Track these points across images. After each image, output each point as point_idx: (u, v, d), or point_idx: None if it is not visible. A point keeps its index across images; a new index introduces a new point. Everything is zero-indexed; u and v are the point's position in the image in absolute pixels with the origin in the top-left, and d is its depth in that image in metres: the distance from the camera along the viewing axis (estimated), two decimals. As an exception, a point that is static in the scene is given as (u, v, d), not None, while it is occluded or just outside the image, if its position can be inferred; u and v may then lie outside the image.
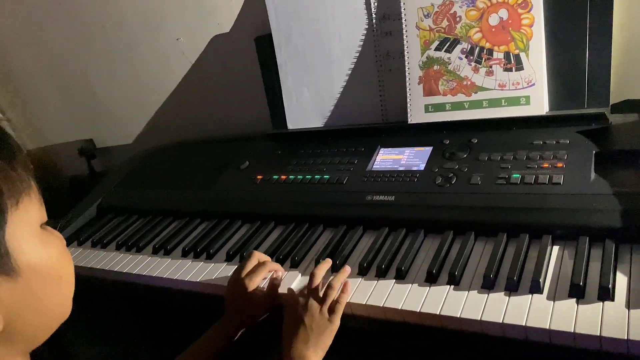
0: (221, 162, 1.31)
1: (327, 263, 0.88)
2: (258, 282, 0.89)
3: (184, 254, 1.08)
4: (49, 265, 0.53)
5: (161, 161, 1.53)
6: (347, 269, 0.86)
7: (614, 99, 1.01)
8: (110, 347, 1.12)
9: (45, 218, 0.55)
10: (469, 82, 1.06)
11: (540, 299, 0.72)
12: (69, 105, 1.85)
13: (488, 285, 0.76)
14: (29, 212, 0.51)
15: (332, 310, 0.80)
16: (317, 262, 0.92)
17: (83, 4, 1.58)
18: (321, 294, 0.82)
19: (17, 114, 1.98)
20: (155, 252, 1.12)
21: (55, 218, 1.40)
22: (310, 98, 1.28)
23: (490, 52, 1.03)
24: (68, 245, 1.27)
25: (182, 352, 0.87)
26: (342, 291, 0.83)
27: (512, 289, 0.74)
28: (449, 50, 1.07)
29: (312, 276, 0.84)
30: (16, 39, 1.77)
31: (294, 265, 0.95)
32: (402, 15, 1.10)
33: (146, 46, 1.56)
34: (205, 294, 0.99)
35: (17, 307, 0.50)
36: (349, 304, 0.82)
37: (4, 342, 0.50)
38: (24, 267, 0.49)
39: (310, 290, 0.83)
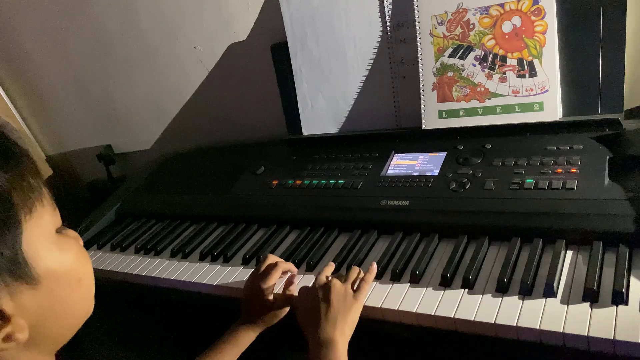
0: (237, 167, 1.33)
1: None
2: (272, 283, 0.90)
3: (202, 258, 1.10)
4: (67, 269, 0.54)
5: (178, 166, 1.56)
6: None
7: (628, 104, 1.01)
8: (128, 348, 1.14)
9: (59, 222, 0.55)
10: (482, 89, 1.07)
11: (554, 302, 0.73)
12: (88, 112, 1.89)
13: (502, 289, 0.77)
14: (42, 219, 0.51)
15: (356, 289, 0.82)
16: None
17: (103, 14, 1.61)
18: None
19: (38, 121, 2.02)
20: (173, 255, 1.15)
21: (75, 222, 1.43)
22: (325, 104, 1.29)
23: (503, 58, 1.04)
24: (88, 249, 1.30)
25: (199, 354, 0.89)
26: (368, 271, 0.85)
27: (525, 292, 0.75)
28: (462, 57, 1.08)
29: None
30: (37, 48, 1.81)
31: (310, 269, 0.96)
32: (416, 23, 1.11)
33: (164, 54, 1.60)
34: (222, 297, 1.01)
35: (41, 313, 0.50)
36: (363, 308, 0.83)
37: (31, 346, 0.51)
38: (43, 274, 0.50)
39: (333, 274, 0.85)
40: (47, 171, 2.00)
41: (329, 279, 0.84)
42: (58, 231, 0.55)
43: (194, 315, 1.10)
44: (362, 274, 0.85)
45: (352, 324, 0.79)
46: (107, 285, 1.17)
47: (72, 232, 0.58)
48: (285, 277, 0.94)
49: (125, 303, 1.21)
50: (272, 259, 0.95)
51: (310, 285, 0.87)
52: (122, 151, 1.89)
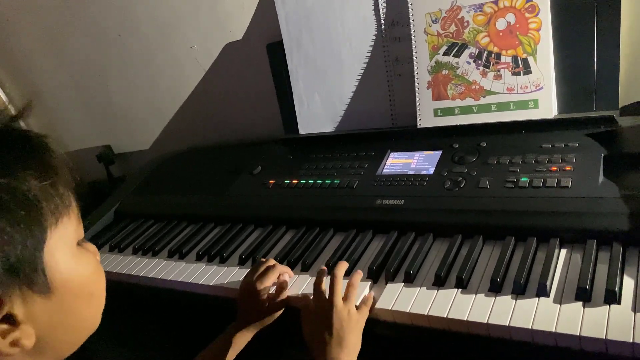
0: (234, 167, 1.33)
1: (344, 265, 0.88)
2: (268, 284, 0.90)
3: (198, 258, 1.10)
4: (81, 283, 0.54)
5: (176, 166, 1.56)
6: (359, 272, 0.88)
7: (623, 101, 1.01)
8: (126, 348, 1.15)
9: (82, 235, 0.56)
10: (477, 87, 1.07)
11: (546, 302, 0.72)
12: (87, 113, 1.90)
13: (495, 289, 0.77)
14: (67, 230, 0.52)
15: (358, 309, 0.81)
16: (328, 266, 0.93)
17: (100, 15, 1.61)
18: (343, 292, 0.83)
19: (37, 121, 2.03)
20: (170, 256, 1.15)
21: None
22: (321, 103, 1.29)
23: (498, 56, 1.04)
24: (87, 249, 1.31)
25: (196, 354, 0.89)
26: (365, 300, 0.83)
27: (519, 292, 0.75)
28: (457, 55, 1.08)
29: (333, 277, 0.84)
30: (36, 49, 1.82)
31: (305, 269, 0.97)
32: (411, 21, 1.11)
33: (161, 54, 1.60)
34: (218, 297, 1.01)
35: (49, 322, 0.51)
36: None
37: (35, 355, 0.52)
38: (58, 285, 0.50)
39: (332, 292, 0.83)
40: (47, 172, 2.01)
41: (330, 298, 0.82)
42: (79, 244, 0.55)
43: (191, 315, 1.10)
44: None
45: (357, 345, 0.79)
46: (105, 286, 1.18)
47: (91, 247, 0.59)
48: (280, 279, 0.94)
49: (124, 303, 1.21)
50: (270, 261, 0.95)
51: (311, 297, 0.86)
52: (121, 151, 1.89)
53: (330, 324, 0.79)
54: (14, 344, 0.48)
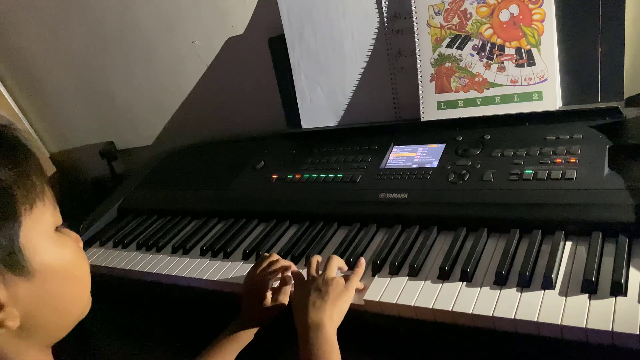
0: (237, 162, 1.33)
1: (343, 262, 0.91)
2: (272, 280, 0.90)
3: (202, 253, 1.10)
4: (62, 265, 0.56)
5: (179, 162, 1.56)
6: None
7: (628, 92, 1.00)
8: (130, 343, 1.15)
9: (59, 221, 0.57)
10: (480, 79, 1.06)
11: (552, 294, 0.72)
12: (90, 109, 1.89)
13: (500, 282, 0.77)
14: (43, 216, 0.54)
15: (346, 279, 0.84)
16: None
17: (101, 11, 1.61)
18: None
19: (40, 119, 2.03)
20: (174, 251, 1.15)
21: (78, 219, 1.44)
22: (324, 97, 1.29)
23: (501, 48, 1.03)
24: (90, 245, 1.31)
25: (200, 349, 0.89)
26: (357, 266, 0.87)
27: (524, 284, 0.75)
28: (460, 47, 1.07)
29: (328, 259, 0.89)
30: (38, 46, 1.82)
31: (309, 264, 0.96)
32: (413, 13, 1.10)
33: (163, 49, 1.59)
34: (222, 292, 1.01)
35: (34, 305, 0.53)
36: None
37: (24, 337, 0.54)
38: (38, 268, 0.52)
39: (326, 266, 0.86)
40: (50, 169, 2.01)
41: (325, 268, 0.86)
42: (58, 230, 0.57)
43: (195, 311, 1.10)
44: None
45: (341, 312, 0.80)
46: (110, 282, 1.18)
47: (72, 234, 0.60)
48: (283, 274, 0.94)
49: (129, 299, 1.21)
50: (273, 256, 0.95)
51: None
52: (124, 147, 1.89)
53: (317, 289, 0.81)
54: None
